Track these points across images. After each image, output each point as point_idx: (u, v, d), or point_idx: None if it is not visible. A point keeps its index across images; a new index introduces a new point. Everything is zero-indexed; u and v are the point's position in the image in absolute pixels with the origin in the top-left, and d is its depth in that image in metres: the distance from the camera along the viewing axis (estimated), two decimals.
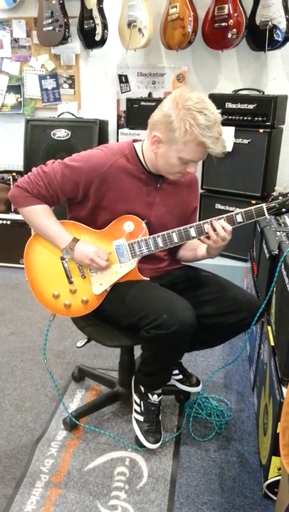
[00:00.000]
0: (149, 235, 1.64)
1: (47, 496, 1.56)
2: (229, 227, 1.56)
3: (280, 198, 1.52)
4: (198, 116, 1.45)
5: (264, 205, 1.53)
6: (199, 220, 1.63)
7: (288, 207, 1.52)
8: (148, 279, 1.67)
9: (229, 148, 2.79)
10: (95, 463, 1.70)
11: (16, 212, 1.63)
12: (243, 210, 1.54)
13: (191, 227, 1.59)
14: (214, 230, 1.56)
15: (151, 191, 1.66)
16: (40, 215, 1.64)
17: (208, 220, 1.57)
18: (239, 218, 1.55)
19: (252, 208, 1.53)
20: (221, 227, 1.55)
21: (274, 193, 1.56)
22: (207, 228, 1.57)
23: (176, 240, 1.62)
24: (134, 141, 1.68)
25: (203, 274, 1.78)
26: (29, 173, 1.63)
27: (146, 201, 1.66)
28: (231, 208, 2.81)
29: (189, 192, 1.76)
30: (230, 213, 1.56)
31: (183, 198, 1.74)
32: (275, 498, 1.53)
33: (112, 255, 1.65)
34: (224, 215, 1.57)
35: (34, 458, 1.72)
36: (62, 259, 1.67)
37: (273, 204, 1.52)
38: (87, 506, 1.53)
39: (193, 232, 1.59)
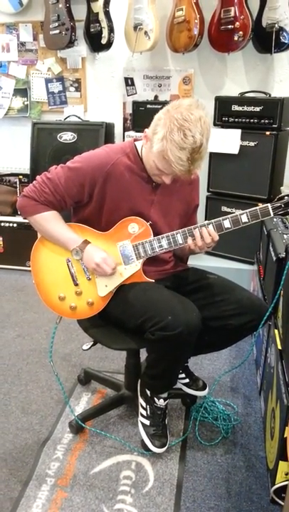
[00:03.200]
0: (154, 233, 1.63)
1: (52, 499, 1.56)
2: (216, 237, 1.57)
3: (286, 197, 1.51)
4: (175, 132, 1.41)
5: (269, 205, 1.52)
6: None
7: None
8: (153, 280, 1.67)
9: (236, 150, 2.78)
10: (101, 466, 1.70)
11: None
12: (248, 210, 1.54)
13: (195, 228, 1.59)
14: (201, 236, 1.57)
15: (152, 189, 1.66)
16: (49, 221, 1.64)
17: (211, 221, 1.57)
18: (244, 218, 1.55)
19: (257, 208, 1.53)
20: (208, 235, 1.57)
21: (281, 194, 1.54)
22: (207, 230, 1.57)
23: (180, 241, 1.61)
24: (136, 140, 1.68)
25: (209, 276, 1.77)
26: (34, 182, 1.64)
27: (148, 199, 1.66)
28: (237, 211, 2.80)
29: (191, 189, 1.76)
30: (234, 214, 1.56)
31: (184, 195, 1.73)
32: (282, 503, 1.52)
33: (117, 257, 1.65)
34: (213, 220, 1.57)
35: (40, 461, 1.71)
36: (68, 261, 1.67)
37: (279, 204, 1.51)
38: (92, 510, 1.52)
39: (197, 233, 1.58)
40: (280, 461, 1.46)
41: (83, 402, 2.04)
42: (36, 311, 2.84)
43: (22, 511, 1.51)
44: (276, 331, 1.77)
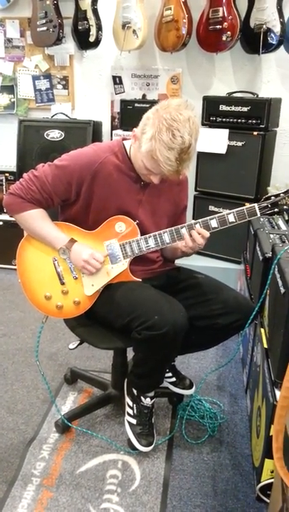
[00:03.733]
0: (141, 233, 1.63)
1: (38, 499, 1.55)
2: (207, 234, 1.57)
3: (273, 197, 1.52)
4: (164, 133, 1.41)
5: (256, 205, 1.53)
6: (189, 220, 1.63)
7: (281, 207, 1.52)
8: (140, 280, 1.67)
9: (223, 150, 2.79)
10: (87, 466, 1.69)
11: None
12: (235, 210, 1.55)
13: (182, 228, 1.59)
14: (191, 235, 1.57)
15: (140, 189, 1.65)
16: (36, 220, 1.63)
17: (198, 220, 1.58)
18: (231, 218, 1.55)
19: (244, 207, 1.54)
20: (199, 236, 1.56)
21: (267, 194, 1.56)
22: (196, 229, 1.57)
23: (167, 241, 1.61)
24: (124, 139, 1.67)
25: (196, 275, 1.78)
26: (21, 180, 1.63)
27: (135, 199, 1.65)
28: (225, 211, 2.81)
29: (179, 190, 1.76)
30: (221, 214, 1.56)
31: (173, 196, 1.73)
32: (268, 500, 1.53)
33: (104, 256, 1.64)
34: (200, 220, 1.57)
35: (25, 461, 1.70)
36: (55, 260, 1.66)
37: (265, 204, 1.53)
38: (79, 509, 1.52)
39: (184, 232, 1.59)
40: (266, 459, 1.48)
41: (69, 401, 2.03)
42: (22, 310, 2.82)
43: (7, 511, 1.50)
44: (262, 330, 1.79)
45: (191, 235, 1.57)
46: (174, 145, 1.41)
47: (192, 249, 1.62)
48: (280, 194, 1.52)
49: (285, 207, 1.52)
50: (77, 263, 1.62)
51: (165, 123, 1.41)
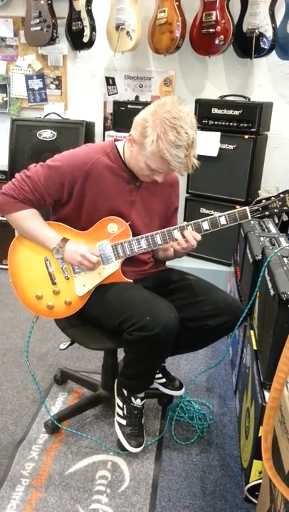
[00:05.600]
0: (133, 234, 1.64)
1: (27, 500, 1.54)
2: (199, 237, 1.58)
3: (264, 201, 1.54)
4: (169, 132, 1.44)
5: (247, 208, 1.54)
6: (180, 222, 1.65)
7: (271, 210, 1.54)
8: (131, 281, 1.67)
9: (215, 153, 2.81)
10: (77, 466, 1.69)
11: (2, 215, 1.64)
12: (226, 212, 1.56)
13: (174, 229, 1.60)
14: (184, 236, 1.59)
15: (132, 190, 1.66)
16: (28, 220, 1.63)
17: (190, 222, 1.59)
18: (223, 221, 1.57)
19: (235, 210, 1.55)
20: (191, 237, 1.58)
21: (258, 197, 1.57)
22: (188, 231, 1.59)
23: (159, 242, 1.62)
24: (116, 140, 1.68)
25: (187, 277, 1.79)
26: (13, 180, 1.63)
27: (128, 199, 1.66)
28: (216, 213, 2.83)
29: (171, 191, 1.77)
30: (213, 216, 1.58)
31: (165, 197, 1.75)
32: (255, 501, 1.54)
33: None
34: (192, 222, 1.59)
35: (15, 461, 1.70)
36: (46, 260, 1.66)
37: (256, 207, 1.54)
38: (68, 510, 1.51)
39: (176, 234, 1.60)
40: (254, 460, 1.49)
41: (59, 402, 2.03)
42: (13, 309, 2.81)
43: None
44: (252, 332, 1.80)
45: (184, 236, 1.58)
46: (181, 142, 1.44)
47: (184, 250, 1.63)
48: (270, 197, 1.54)
49: (275, 210, 1.54)
50: (73, 259, 1.62)
51: (168, 122, 1.44)
